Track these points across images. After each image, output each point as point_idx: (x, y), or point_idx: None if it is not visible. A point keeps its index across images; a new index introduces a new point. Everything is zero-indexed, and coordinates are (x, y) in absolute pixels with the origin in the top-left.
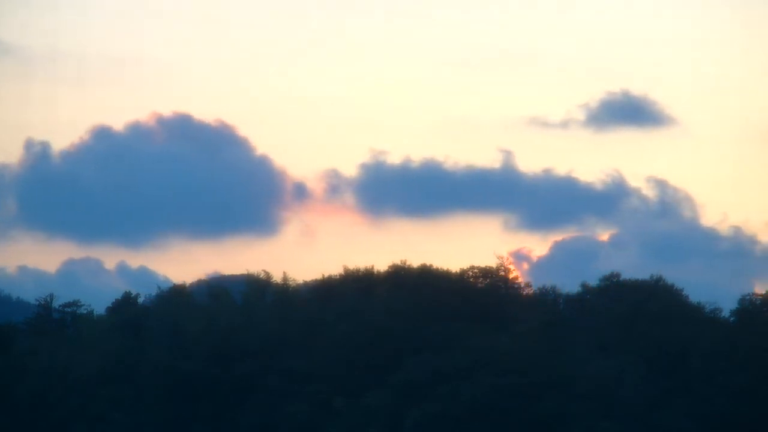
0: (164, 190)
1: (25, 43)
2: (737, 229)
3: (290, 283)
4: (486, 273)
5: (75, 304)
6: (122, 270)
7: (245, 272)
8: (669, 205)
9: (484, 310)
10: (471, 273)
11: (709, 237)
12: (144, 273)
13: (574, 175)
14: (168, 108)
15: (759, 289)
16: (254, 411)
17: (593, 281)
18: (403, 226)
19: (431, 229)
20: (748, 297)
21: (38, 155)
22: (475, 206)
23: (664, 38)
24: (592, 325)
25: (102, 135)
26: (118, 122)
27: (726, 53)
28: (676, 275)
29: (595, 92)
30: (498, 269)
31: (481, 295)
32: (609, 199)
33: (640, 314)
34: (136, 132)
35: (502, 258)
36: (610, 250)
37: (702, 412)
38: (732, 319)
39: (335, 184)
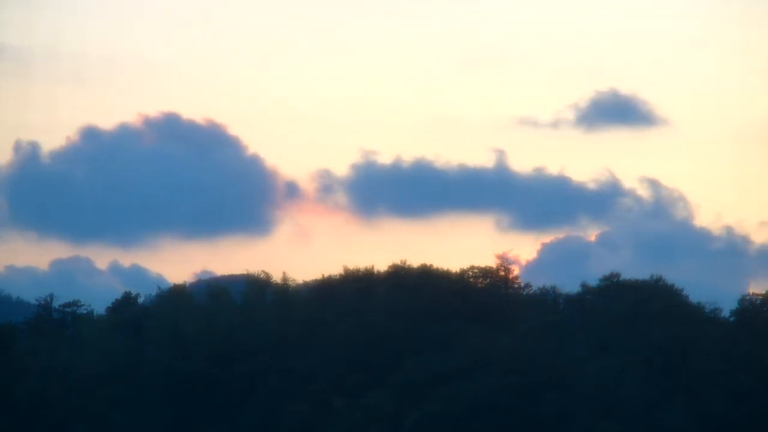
0: (156, 189)
1: (15, 43)
2: (730, 229)
3: (290, 283)
4: (486, 273)
5: (75, 304)
6: (114, 269)
7: (245, 272)
8: (661, 205)
9: (484, 310)
10: (471, 273)
11: (702, 237)
12: (137, 272)
13: (565, 175)
14: (158, 108)
15: (753, 289)
16: (254, 411)
17: (583, 283)
18: (394, 225)
19: (423, 228)
20: (748, 297)
21: (27, 156)
22: (466, 206)
23: (654, 38)
24: (592, 325)
25: (92, 135)
26: (108, 122)
27: (716, 53)
28: (668, 275)
29: (585, 92)
30: (498, 269)
31: (481, 295)
32: (600, 199)
33: (640, 314)
34: (127, 132)
35: (502, 258)
36: (600, 250)
37: (702, 412)
38: (732, 319)
39: (327, 184)
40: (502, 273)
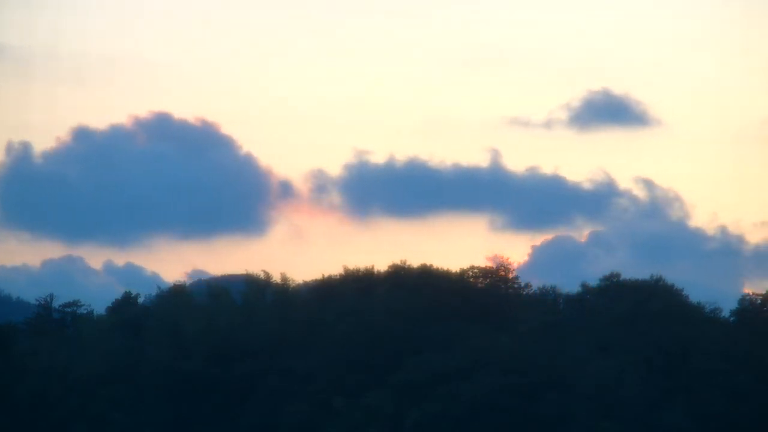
0: (150, 189)
1: (12, 43)
2: (725, 229)
3: (290, 283)
4: (486, 273)
5: (75, 304)
6: (108, 268)
7: (243, 272)
8: (655, 205)
9: (484, 310)
10: (471, 273)
11: (696, 237)
12: (131, 271)
13: (559, 175)
14: (152, 107)
15: (747, 289)
16: (254, 411)
17: (583, 283)
18: (387, 225)
19: (417, 228)
20: (747, 297)
21: (20, 156)
22: (460, 206)
23: (648, 38)
24: (592, 325)
25: (86, 135)
26: (102, 122)
27: (710, 52)
28: (663, 275)
29: (579, 92)
30: (498, 269)
31: (481, 295)
32: (594, 199)
33: (640, 314)
34: (121, 131)
35: (501, 258)
36: (592, 250)
37: (702, 412)
38: (732, 319)
39: (321, 184)
40: (502, 273)
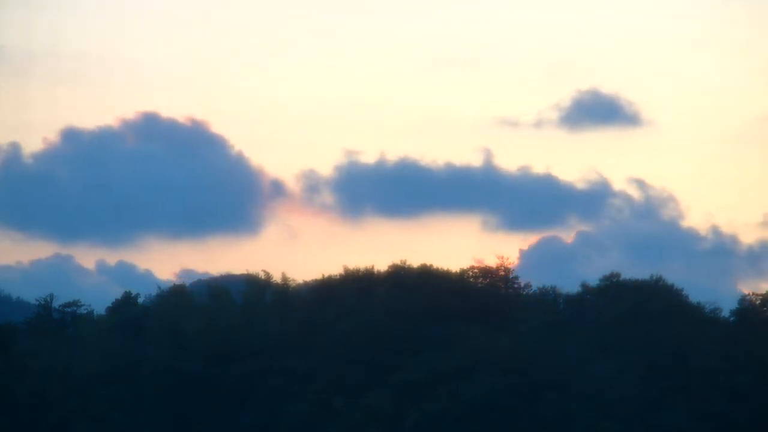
0: (142, 189)
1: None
2: (717, 229)
3: (290, 283)
4: (486, 273)
5: (75, 304)
6: (101, 268)
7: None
8: (647, 205)
9: (484, 310)
10: (471, 273)
11: (689, 237)
12: (123, 270)
13: (550, 175)
14: (143, 107)
15: (744, 290)
16: (254, 411)
17: (583, 283)
18: (380, 225)
19: (410, 228)
20: (748, 297)
21: (9, 157)
22: (451, 206)
23: (639, 37)
24: (592, 325)
25: (77, 134)
26: (93, 121)
27: (700, 52)
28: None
29: (570, 92)
30: (498, 269)
31: (481, 295)
32: (586, 199)
33: (640, 314)
34: (112, 131)
35: (501, 258)
36: (584, 251)
37: (702, 412)
38: (732, 319)
39: (313, 184)
40: (502, 273)
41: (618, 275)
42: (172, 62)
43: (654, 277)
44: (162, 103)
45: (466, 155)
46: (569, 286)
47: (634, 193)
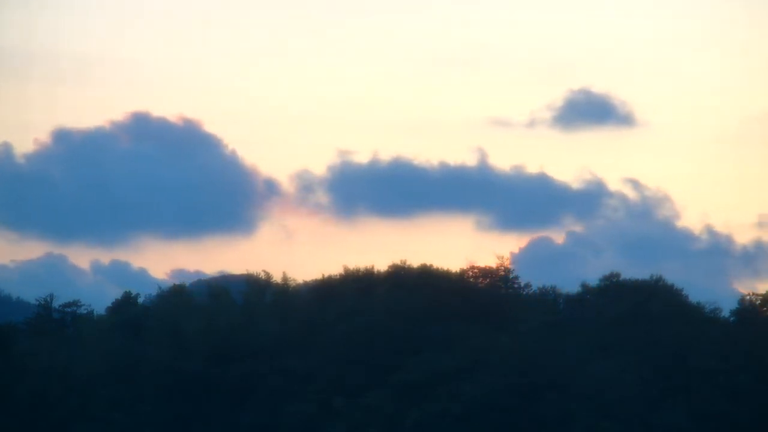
0: (135, 189)
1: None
2: (711, 229)
3: (290, 283)
4: (486, 273)
5: (75, 304)
6: (95, 268)
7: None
8: (641, 205)
9: (484, 310)
10: (471, 273)
11: (683, 237)
12: (117, 269)
13: (543, 175)
14: (137, 107)
15: (741, 289)
16: (254, 411)
17: (583, 283)
18: (374, 225)
19: (404, 228)
20: (748, 297)
21: (1, 157)
22: (445, 206)
23: (632, 37)
24: (592, 325)
25: (70, 134)
26: (86, 121)
27: (694, 52)
28: (646, 275)
29: (563, 92)
30: (498, 269)
31: (481, 295)
32: (580, 199)
33: (640, 314)
34: (105, 131)
35: (501, 258)
36: (577, 251)
37: (702, 412)
38: (732, 319)
39: (307, 184)
40: (502, 273)
41: (618, 275)
42: (166, 62)
43: (654, 277)
44: (156, 102)
45: (460, 155)
46: (564, 286)
47: (628, 193)
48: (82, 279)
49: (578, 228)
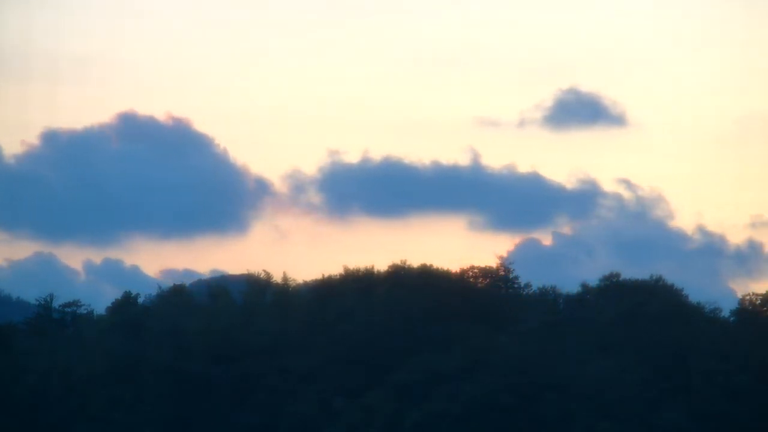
0: (128, 189)
1: None
2: (704, 229)
3: (290, 283)
4: (486, 273)
5: (75, 304)
6: (88, 267)
7: (246, 272)
8: (633, 206)
9: (484, 310)
10: (471, 273)
11: (676, 237)
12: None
13: (535, 174)
14: (125, 107)
15: (735, 288)
16: (254, 411)
17: (583, 283)
18: (366, 225)
19: (395, 228)
20: (748, 297)
21: None
22: (437, 206)
23: (625, 37)
24: (592, 325)
25: (61, 134)
26: (76, 121)
27: (685, 51)
28: (639, 275)
29: (555, 92)
30: (498, 269)
31: (481, 295)
32: (572, 200)
33: (640, 314)
34: (94, 131)
35: (501, 258)
36: (568, 252)
37: (702, 412)
38: (732, 319)
39: (300, 184)
40: (502, 273)
41: (618, 275)
42: (158, 62)
43: (654, 277)
44: (147, 102)
45: (450, 155)
46: (562, 287)
47: (621, 193)
48: (74, 278)
49: (571, 228)
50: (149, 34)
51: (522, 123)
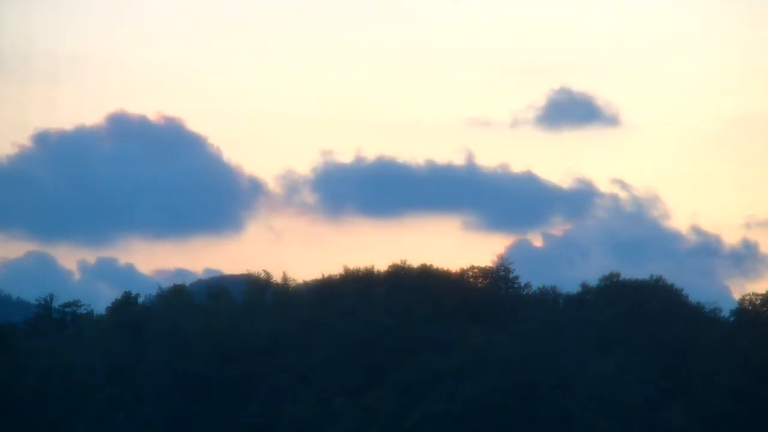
0: (120, 189)
1: None
2: (697, 229)
3: (290, 283)
4: (486, 273)
5: (75, 304)
6: (83, 267)
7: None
8: (628, 206)
9: (484, 310)
10: (471, 273)
11: (669, 237)
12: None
13: (528, 175)
14: (116, 107)
15: (730, 289)
16: (254, 411)
17: (583, 283)
18: (359, 225)
19: (389, 228)
20: (748, 297)
21: None
22: (431, 206)
23: (619, 37)
24: (592, 325)
25: (54, 135)
26: (71, 121)
27: (679, 52)
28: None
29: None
30: (498, 269)
31: (481, 295)
32: (566, 200)
33: (640, 314)
34: (87, 131)
35: (499, 256)
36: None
37: (702, 412)
38: (732, 319)
39: (293, 184)
40: (502, 273)
41: (618, 275)
42: (151, 62)
43: (654, 277)
44: (140, 102)
45: (443, 155)
46: (563, 286)
47: (616, 194)
48: (69, 277)
49: (566, 228)
50: (143, 34)
51: (515, 123)
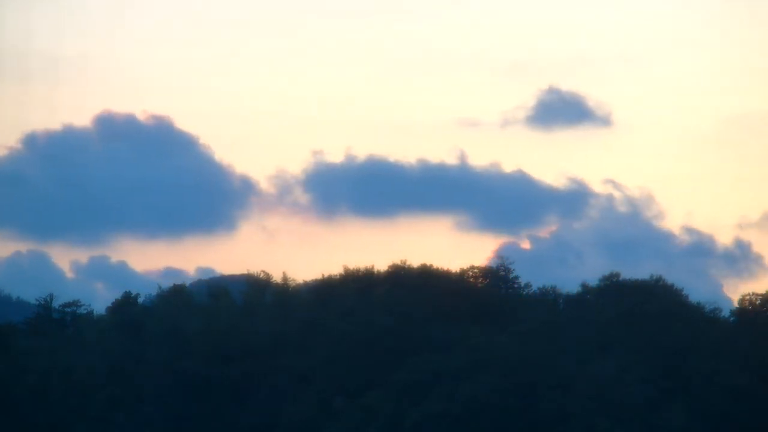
0: (114, 189)
1: None
2: (691, 229)
3: (290, 283)
4: (486, 273)
5: (75, 304)
6: (75, 267)
7: (246, 272)
8: (620, 206)
9: (484, 310)
10: (471, 273)
11: (663, 237)
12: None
13: (520, 175)
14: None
15: (725, 289)
16: (254, 411)
17: (583, 282)
18: (353, 225)
19: (383, 228)
20: (748, 297)
21: None
22: (423, 206)
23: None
24: (592, 325)
25: (46, 135)
26: (63, 121)
27: (673, 50)
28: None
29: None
30: (498, 269)
31: (481, 295)
32: (559, 200)
33: (640, 314)
34: (77, 132)
35: (501, 258)
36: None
37: (702, 412)
38: (732, 319)
39: (285, 184)
40: (502, 273)
41: (618, 275)
42: (144, 62)
43: (654, 277)
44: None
45: (435, 155)
46: (563, 286)
47: (609, 194)
48: (61, 276)
49: (557, 228)
50: (136, 34)
51: (505, 123)
